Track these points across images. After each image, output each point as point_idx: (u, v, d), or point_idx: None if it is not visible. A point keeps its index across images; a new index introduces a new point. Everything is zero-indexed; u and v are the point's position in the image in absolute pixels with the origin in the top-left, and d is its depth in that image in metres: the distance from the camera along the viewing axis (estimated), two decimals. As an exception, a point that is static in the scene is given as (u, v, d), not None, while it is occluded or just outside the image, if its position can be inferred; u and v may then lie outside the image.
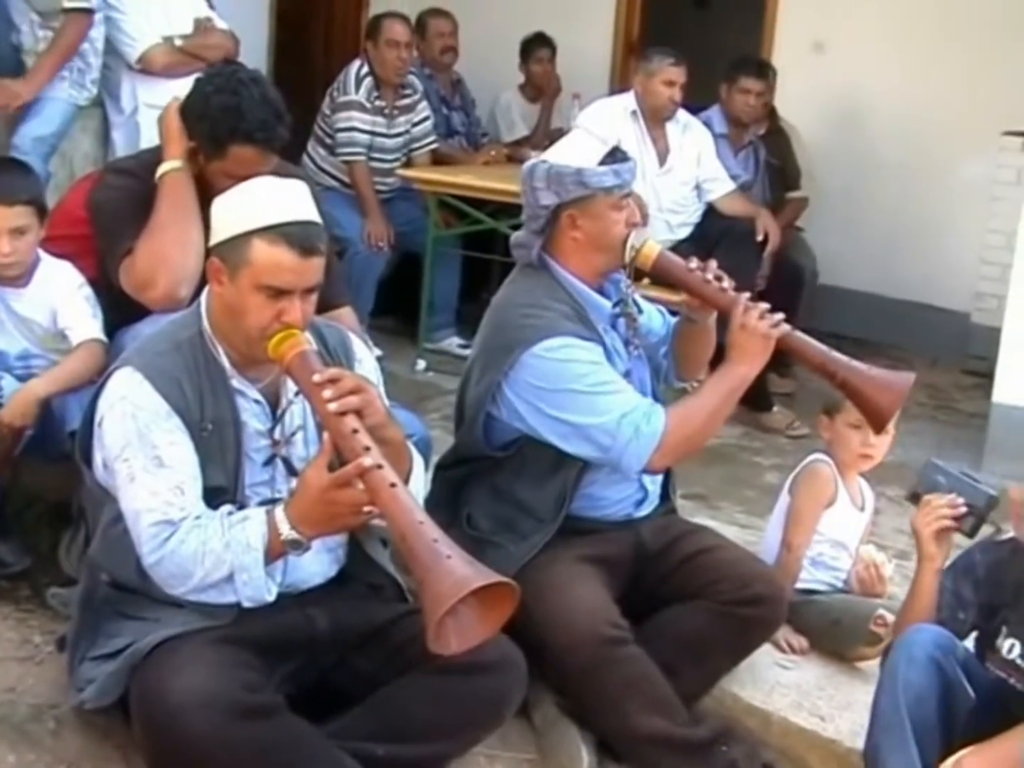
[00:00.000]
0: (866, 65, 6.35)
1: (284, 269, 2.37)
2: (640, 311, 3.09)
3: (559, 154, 2.93)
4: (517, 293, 2.99)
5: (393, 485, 2.19)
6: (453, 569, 2.09)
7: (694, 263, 2.91)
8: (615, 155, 2.90)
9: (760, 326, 2.81)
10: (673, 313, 3.16)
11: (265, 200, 2.43)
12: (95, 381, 3.08)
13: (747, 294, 2.86)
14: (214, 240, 2.45)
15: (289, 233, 2.37)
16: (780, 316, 2.85)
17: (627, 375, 2.97)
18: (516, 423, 2.91)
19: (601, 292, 3.00)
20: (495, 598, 2.15)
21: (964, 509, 2.65)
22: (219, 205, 2.48)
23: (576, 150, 2.93)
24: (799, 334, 2.87)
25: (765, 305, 2.85)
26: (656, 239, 3.11)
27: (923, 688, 2.40)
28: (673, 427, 2.79)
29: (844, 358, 2.85)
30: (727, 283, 2.87)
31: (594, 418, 2.80)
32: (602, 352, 2.89)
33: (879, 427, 2.94)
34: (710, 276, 2.88)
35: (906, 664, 2.43)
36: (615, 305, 3.01)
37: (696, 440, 2.89)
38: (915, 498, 2.73)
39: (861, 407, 2.90)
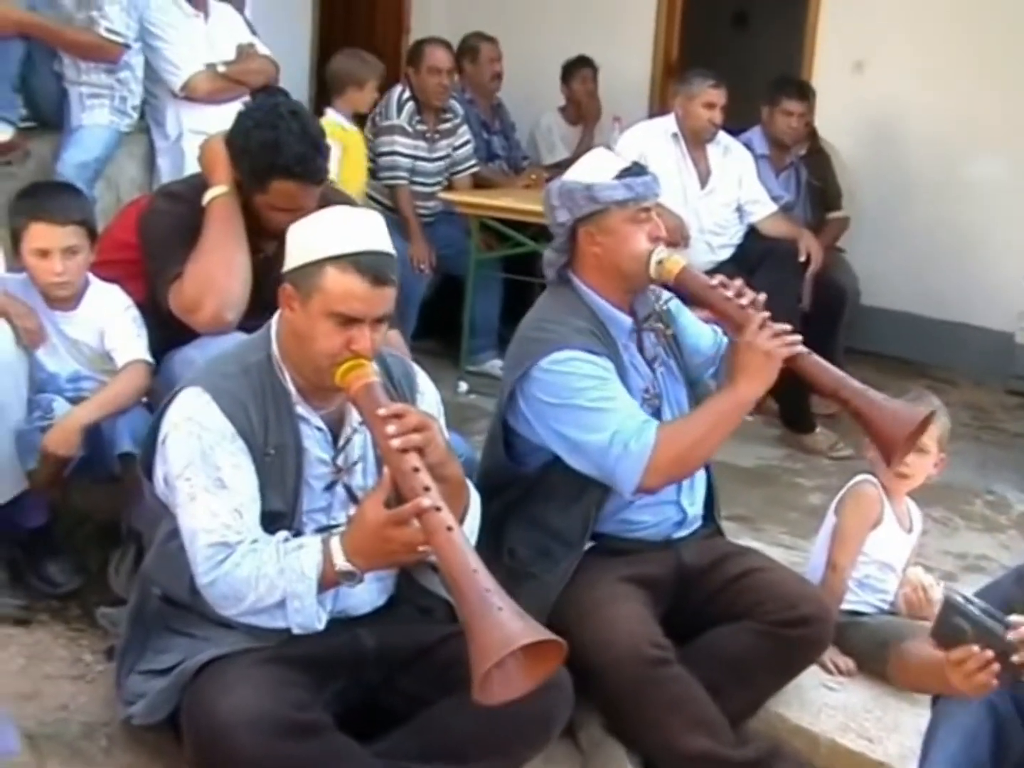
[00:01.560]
0: (905, 84, 6.33)
1: (355, 297, 2.39)
2: (669, 327, 3.06)
3: (574, 171, 2.96)
4: (540, 309, 3.02)
5: (450, 529, 2.19)
6: (503, 622, 2.08)
7: (717, 279, 2.89)
8: (631, 169, 2.91)
9: (765, 344, 2.76)
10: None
11: (339, 229, 2.45)
12: (142, 402, 3.14)
13: (766, 313, 2.80)
14: (288, 266, 2.48)
15: (361, 262, 2.40)
16: (794, 338, 2.80)
17: (647, 393, 2.96)
18: (531, 436, 2.93)
19: (630, 308, 3.00)
20: (542, 652, 2.14)
21: (997, 665, 2.21)
22: (294, 233, 2.51)
23: (591, 166, 2.95)
24: (815, 358, 2.82)
25: (783, 326, 2.80)
26: (698, 261, 3.11)
27: (975, 728, 2.35)
28: (663, 446, 2.77)
29: (859, 385, 2.80)
30: (748, 300, 2.83)
31: (590, 435, 2.80)
32: (612, 367, 2.88)
33: (888, 457, 2.85)
34: (731, 293, 2.84)
35: (958, 704, 2.38)
36: (644, 320, 3.01)
37: (690, 459, 2.85)
38: (940, 642, 2.33)
39: (871, 436, 2.85)
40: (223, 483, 2.41)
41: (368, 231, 2.47)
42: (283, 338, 2.52)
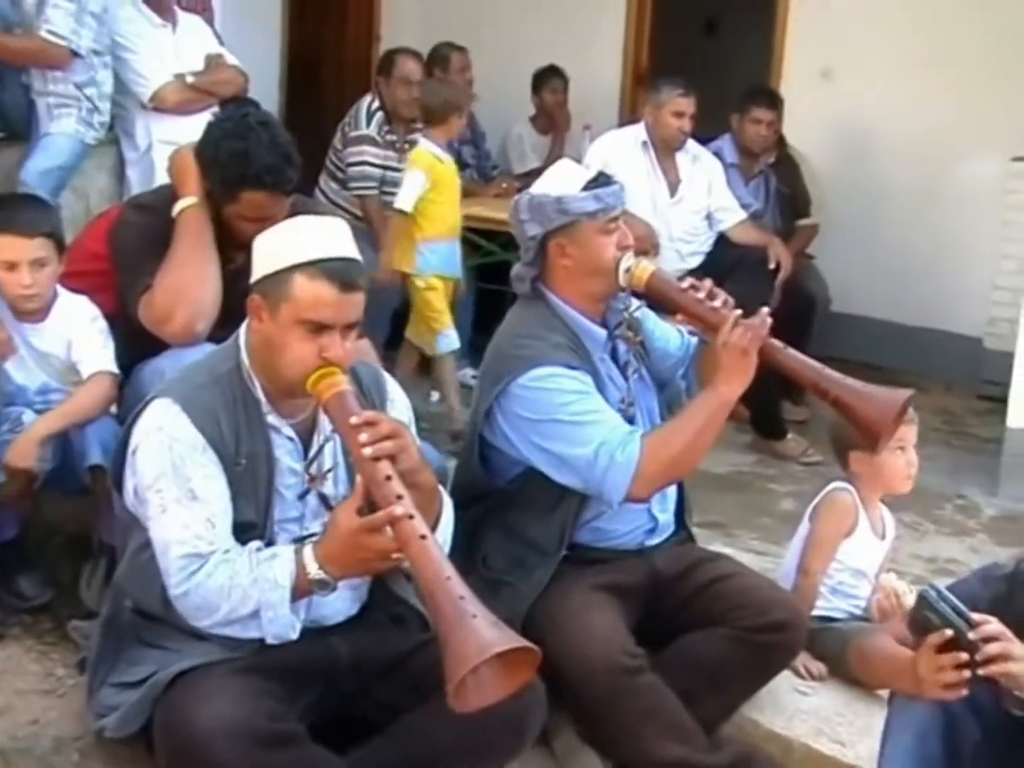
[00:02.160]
0: (874, 92, 6.36)
1: (325, 304, 2.39)
2: (637, 334, 3.07)
3: (542, 184, 2.96)
4: (514, 323, 3.02)
5: (423, 537, 2.19)
6: (478, 630, 2.08)
7: (687, 282, 2.90)
8: (598, 180, 2.91)
9: (741, 342, 2.76)
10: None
11: (306, 237, 2.45)
12: (112, 413, 3.12)
13: (738, 312, 2.80)
14: (255, 277, 2.47)
15: (330, 268, 2.39)
16: (766, 325, 2.79)
17: (622, 403, 2.97)
18: (510, 451, 2.93)
19: (603, 319, 3.01)
20: (516, 659, 2.14)
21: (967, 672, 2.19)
22: (260, 243, 2.51)
23: (558, 178, 2.95)
24: (792, 352, 2.83)
25: (754, 322, 2.79)
26: (668, 268, 3.13)
27: (926, 724, 2.36)
28: (649, 454, 2.77)
29: (837, 375, 2.82)
30: (720, 302, 2.83)
31: (575, 448, 2.80)
32: (591, 381, 2.89)
33: (874, 443, 2.86)
34: (702, 295, 2.85)
35: (908, 700, 2.40)
36: (615, 328, 3.02)
37: (677, 465, 2.85)
38: (912, 632, 2.35)
39: (855, 424, 2.85)
40: (195, 494, 2.40)
41: (335, 238, 2.46)
42: (252, 348, 2.52)
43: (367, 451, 2.27)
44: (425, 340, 5.04)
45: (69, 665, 2.96)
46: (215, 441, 2.44)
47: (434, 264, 4.96)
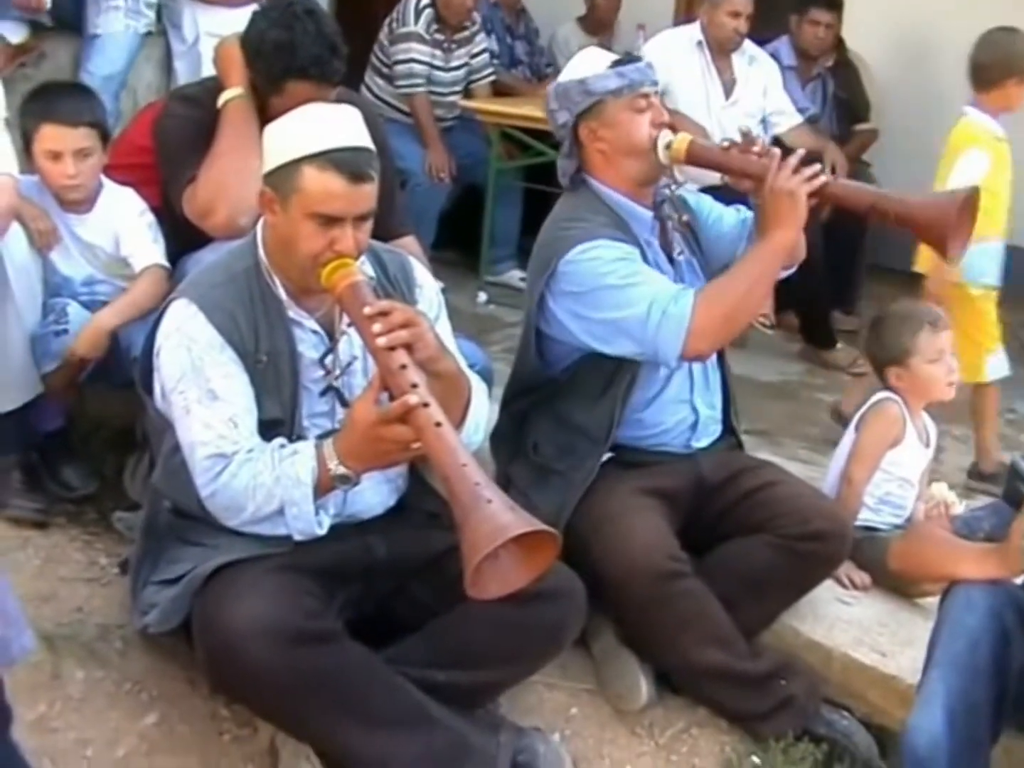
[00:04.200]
0: (937, -1, 6.19)
1: (334, 196, 2.34)
2: (683, 214, 3.02)
3: (568, 71, 2.92)
4: (559, 211, 2.99)
5: (438, 424, 2.16)
6: (493, 515, 2.05)
7: (727, 142, 2.84)
8: (623, 60, 2.87)
9: (787, 184, 2.70)
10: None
11: (314, 127, 2.40)
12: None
13: (779, 153, 2.74)
14: (265, 169, 2.43)
15: (339, 159, 2.34)
16: (815, 167, 2.73)
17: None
18: (565, 336, 2.89)
19: (652, 203, 2.96)
20: (535, 544, 2.12)
21: None
22: (269, 133, 2.46)
23: (584, 62, 2.91)
24: (843, 182, 2.79)
25: (796, 160, 2.72)
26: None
27: (978, 632, 2.36)
28: (702, 306, 2.72)
29: (895, 194, 2.77)
30: (759, 148, 2.78)
31: (626, 310, 2.76)
32: (637, 253, 2.84)
33: (944, 247, 2.76)
34: (744, 149, 2.79)
35: (964, 608, 2.39)
36: (658, 206, 2.97)
37: (732, 319, 2.79)
38: (1009, 503, 2.49)
39: (920, 235, 2.82)
40: (215, 394, 2.39)
41: (344, 127, 2.41)
42: (268, 243, 2.48)
43: (381, 341, 2.23)
44: (967, 362, 3.69)
45: (113, 555, 3.00)
46: (233, 339, 2.42)
47: (986, 269, 4.00)
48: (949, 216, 2.71)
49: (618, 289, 2.76)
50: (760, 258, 2.79)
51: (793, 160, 2.73)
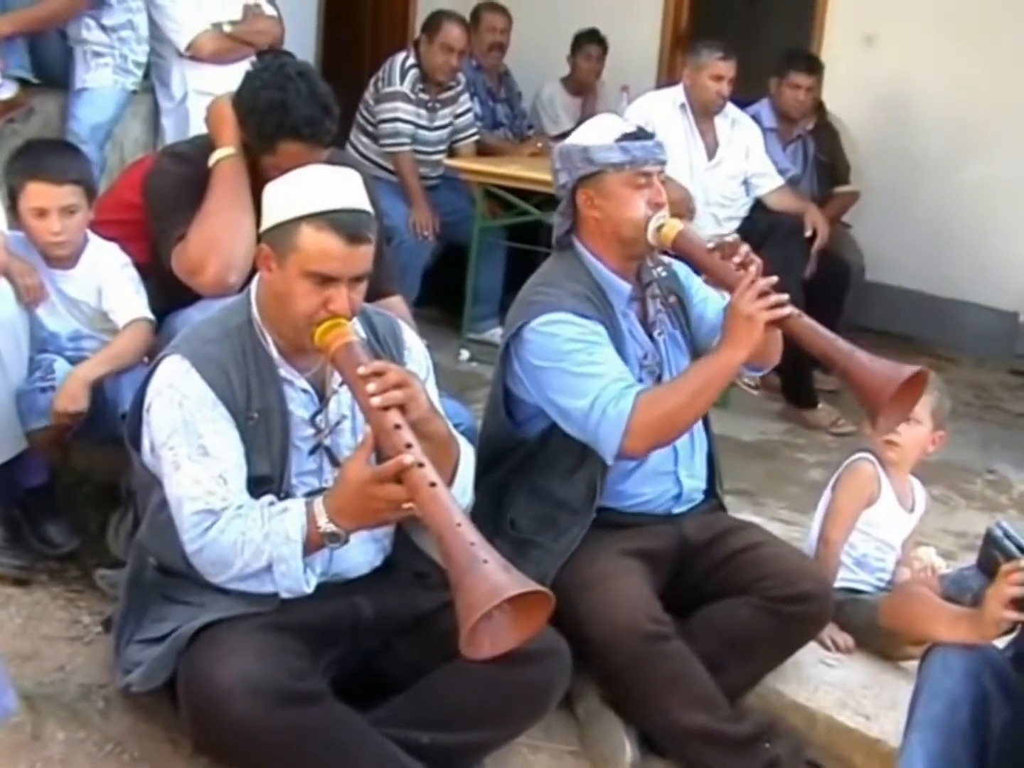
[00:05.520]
0: (916, 59, 6.28)
1: (331, 256, 2.36)
2: (671, 295, 3.03)
3: (578, 134, 2.95)
4: (540, 274, 3.02)
5: (433, 484, 2.17)
6: (489, 575, 2.06)
7: (715, 243, 2.85)
8: (632, 134, 2.88)
9: (747, 308, 2.71)
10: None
11: (314, 187, 2.42)
12: (145, 361, 3.13)
13: (751, 275, 2.73)
14: (264, 226, 2.46)
15: (337, 220, 2.37)
16: (781, 298, 2.72)
17: (644, 359, 2.95)
18: (529, 399, 2.93)
19: (636, 276, 2.98)
20: (530, 605, 2.13)
21: None
22: (271, 191, 2.48)
23: (594, 128, 2.94)
24: (806, 320, 2.75)
25: (767, 284, 2.71)
26: (704, 234, 3.08)
27: (956, 694, 2.36)
28: (641, 410, 2.74)
29: (848, 347, 2.74)
30: (738, 259, 2.75)
31: (572, 400, 2.80)
32: (603, 331, 2.86)
33: (873, 416, 2.76)
34: (735, 259, 2.77)
35: (941, 670, 2.40)
36: (646, 286, 2.99)
37: (669, 424, 2.80)
38: (981, 570, 2.50)
39: (858, 396, 2.77)
40: (206, 450, 2.40)
41: (344, 188, 2.43)
42: (262, 300, 2.50)
43: (375, 400, 2.24)
44: None
45: (95, 613, 2.98)
46: (225, 396, 2.43)
47: None
48: (888, 390, 2.68)
49: (571, 376, 2.80)
50: (705, 372, 2.80)
51: (762, 283, 2.72)
